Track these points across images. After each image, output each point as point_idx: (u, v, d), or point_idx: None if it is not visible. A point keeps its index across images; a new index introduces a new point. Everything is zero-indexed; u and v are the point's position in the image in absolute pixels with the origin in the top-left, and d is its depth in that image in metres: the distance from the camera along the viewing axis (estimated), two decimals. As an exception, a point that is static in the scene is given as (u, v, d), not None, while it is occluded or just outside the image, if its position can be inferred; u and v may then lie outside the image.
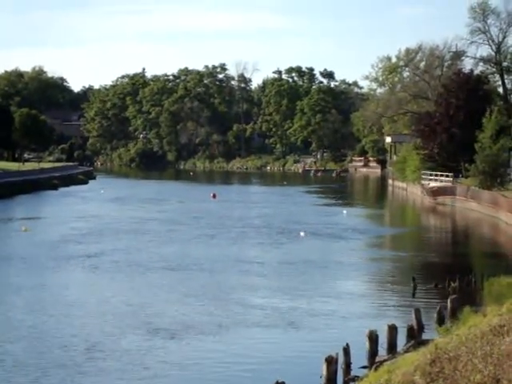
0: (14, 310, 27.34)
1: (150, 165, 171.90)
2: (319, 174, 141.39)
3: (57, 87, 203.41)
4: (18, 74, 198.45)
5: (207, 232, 50.20)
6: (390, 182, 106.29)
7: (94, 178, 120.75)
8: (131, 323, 25.12)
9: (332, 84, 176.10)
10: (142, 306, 27.70)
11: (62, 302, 28.47)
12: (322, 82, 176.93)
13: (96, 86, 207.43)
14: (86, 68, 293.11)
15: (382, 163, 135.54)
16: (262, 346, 22.80)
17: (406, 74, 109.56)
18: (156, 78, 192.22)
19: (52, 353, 21.82)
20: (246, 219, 58.60)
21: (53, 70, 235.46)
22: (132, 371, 20.28)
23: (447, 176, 76.42)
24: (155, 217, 60.32)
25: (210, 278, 33.55)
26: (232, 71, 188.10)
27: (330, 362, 19.03)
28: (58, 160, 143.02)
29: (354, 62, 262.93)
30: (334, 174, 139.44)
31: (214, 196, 79.46)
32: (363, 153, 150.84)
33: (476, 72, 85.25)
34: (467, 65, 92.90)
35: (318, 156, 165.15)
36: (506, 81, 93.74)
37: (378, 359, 20.28)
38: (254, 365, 21.07)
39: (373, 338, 21.31)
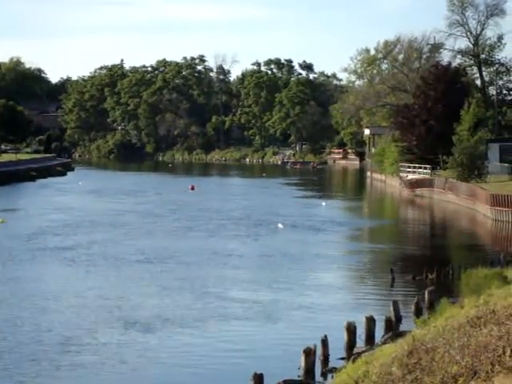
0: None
1: (129, 156, 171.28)
2: (297, 167, 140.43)
3: (34, 78, 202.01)
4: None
5: (185, 224, 49.95)
6: (368, 174, 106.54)
7: (73, 170, 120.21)
8: (108, 317, 24.87)
9: (311, 76, 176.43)
10: (119, 300, 27.41)
11: (37, 295, 28.07)
12: (300, 74, 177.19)
13: (74, 77, 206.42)
14: (64, 59, 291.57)
15: (361, 155, 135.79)
16: (241, 339, 22.72)
17: (384, 66, 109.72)
18: (134, 70, 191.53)
19: (26, 347, 21.48)
20: (224, 211, 58.43)
21: (30, 61, 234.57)
22: (109, 365, 20.09)
23: (425, 168, 76.68)
24: (133, 209, 60.04)
25: (188, 271, 33.26)
26: (211, 63, 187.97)
27: (308, 353, 19.04)
28: (36, 151, 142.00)
29: (332, 54, 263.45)
30: (310, 166, 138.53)
31: (193, 188, 79.33)
32: (342, 145, 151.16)
33: (454, 64, 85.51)
34: (445, 57, 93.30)
35: (297, 148, 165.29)
36: (483, 73, 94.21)
37: (355, 351, 20.31)
38: (233, 357, 21.01)
39: (351, 329, 21.34)
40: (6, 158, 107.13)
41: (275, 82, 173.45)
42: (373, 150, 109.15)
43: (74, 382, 19.02)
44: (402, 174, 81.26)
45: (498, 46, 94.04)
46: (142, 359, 20.61)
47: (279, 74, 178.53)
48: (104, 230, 46.52)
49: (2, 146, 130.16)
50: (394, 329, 22.46)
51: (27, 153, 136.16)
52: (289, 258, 36.55)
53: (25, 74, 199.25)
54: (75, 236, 43.65)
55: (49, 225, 48.50)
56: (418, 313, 24.32)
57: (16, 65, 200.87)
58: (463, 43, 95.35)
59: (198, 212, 57.57)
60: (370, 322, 22.08)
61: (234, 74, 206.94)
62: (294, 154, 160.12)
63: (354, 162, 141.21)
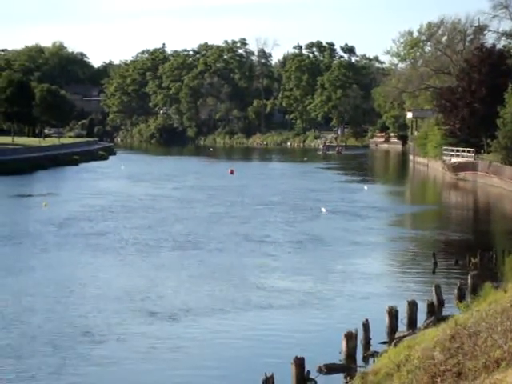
0: (9, 291, 26.21)
1: (170, 141, 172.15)
2: (339, 151, 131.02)
3: (77, 63, 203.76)
4: (38, 50, 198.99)
5: (222, 210, 49.10)
6: (411, 157, 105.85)
7: (115, 154, 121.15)
8: (138, 306, 24.15)
9: (353, 59, 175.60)
10: (149, 288, 26.65)
11: (65, 282, 27.47)
12: (342, 57, 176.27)
13: (116, 62, 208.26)
14: (107, 43, 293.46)
15: (403, 139, 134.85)
16: (282, 325, 22.48)
17: (427, 48, 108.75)
18: (176, 54, 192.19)
19: (50, 336, 21.00)
20: (263, 196, 57.92)
21: (73, 46, 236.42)
22: (143, 356, 19.61)
23: (469, 151, 75.87)
24: (171, 194, 59.63)
25: (224, 258, 32.43)
26: (252, 46, 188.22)
27: (350, 337, 18.97)
28: (79, 136, 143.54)
29: (375, 37, 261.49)
30: (335, 152, 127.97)
31: (232, 172, 79.14)
32: (384, 128, 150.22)
33: (498, 46, 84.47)
34: (489, 39, 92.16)
35: (339, 132, 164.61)
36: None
37: (397, 335, 20.20)
38: (274, 342, 20.89)
39: (392, 313, 21.22)
40: (49, 142, 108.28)
41: (317, 66, 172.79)
42: (415, 133, 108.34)
43: (100, 374, 18.55)
44: (445, 158, 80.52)
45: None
46: (181, 345, 20.42)
47: (321, 58, 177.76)
48: (140, 216, 45.90)
49: (46, 131, 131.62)
50: (436, 313, 22.29)
51: (70, 137, 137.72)
52: (330, 245, 36.11)
53: (68, 59, 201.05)
54: (111, 222, 43.10)
55: (86, 210, 48.28)
56: (461, 297, 24.08)
57: (59, 49, 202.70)
58: (508, 25, 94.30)
59: (236, 197, 56.78)
60: (412, 306, 21.93)
61: (276, 57, 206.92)
62: (335, 138, 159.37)
63: (396, 146, 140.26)
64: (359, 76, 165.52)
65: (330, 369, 18.15)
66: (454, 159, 77.71)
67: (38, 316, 23.17)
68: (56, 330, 21.65)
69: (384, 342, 20.16)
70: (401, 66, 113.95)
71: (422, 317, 21.99)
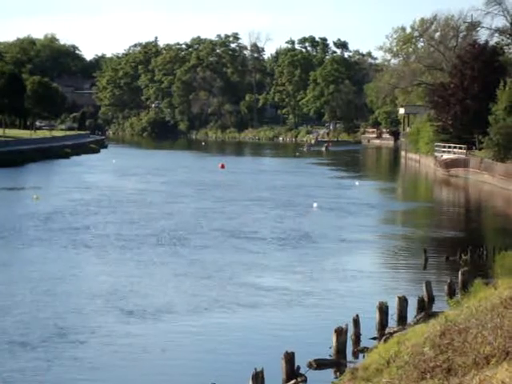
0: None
1: (162, 134, 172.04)
2: (327, 147, 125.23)
3: (69, 55, 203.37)
4: (30, 42, 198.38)
5: (211, 205, 48.52)
6: (402, 153, 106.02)
7: (106, 147, 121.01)
8: (119, 304, 23.50)
9: (346, 54, 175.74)
10: (132, 285, 25.98)
11: (44, 279, 26.64)
12: (335, 53, 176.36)
13: (108, 55, 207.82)
14: (99, 36, 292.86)
15: (395, 135, 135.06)
16: (272, 321, 22.32)
17: (420, 44, 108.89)
18: (168, 47, 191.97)
19: (25, 335, 20.25)
20: (253, 191, 57.64)
21: (65, 38, 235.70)
22: (118, 356, 19.07)
23: (460, 148, 75.99)
24: (159, 188, 59.03)
25: (212, 254, 31.66)
26: (245, 41, 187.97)
27: (340, 333, 18.94)
28: (70, 128, 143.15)
29: (368, 33, 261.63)
30: (323, 149, 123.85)
31: (223, 166, 78.98)
32: (376, 124, 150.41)
33: (491, 43, 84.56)
34: (482, 36, 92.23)
35: (331, 127, 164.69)
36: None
37: (387, 331, 20.21)
38: (264, 338, 20.83)
39: (383, 309, 21.19)
40: (40, 134, 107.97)
41: (309, 61, 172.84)
42: (407, 129, 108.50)
43: (81, 376, 17.87)
44: (436, 154, 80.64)
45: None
46: (168, 343, 20.13)
47: (313, 53, 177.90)
48: (127, 211, 45.06)
49: (37, 123, 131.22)
50: (426, 309, 22.31)
51: (61, 130, 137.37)
52: (320, 242, 35.81)
53: (60, 51, 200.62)
54: (97, 216, 42.27)
55: (74, 204, 47.67)
56: (451, 293, 24.09)
57: (51, 41, 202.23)
58: (500, 22, 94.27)
59: (226, 192, 56.26)
60: (403, 302, 21.93)
61: (268, 52, 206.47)
62: (327, 134, 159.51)
63: (388, 142, 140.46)
64: (352, 71, 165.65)
65: (320, 364, 18.13)
66: (446, 156, 77.82)
67: (13, 315, 22.24)
68: (32, 330, 20.74)
69: (374, 338, 20.16)
70: (393, 61, 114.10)
71: (412, 313, 22.00)
